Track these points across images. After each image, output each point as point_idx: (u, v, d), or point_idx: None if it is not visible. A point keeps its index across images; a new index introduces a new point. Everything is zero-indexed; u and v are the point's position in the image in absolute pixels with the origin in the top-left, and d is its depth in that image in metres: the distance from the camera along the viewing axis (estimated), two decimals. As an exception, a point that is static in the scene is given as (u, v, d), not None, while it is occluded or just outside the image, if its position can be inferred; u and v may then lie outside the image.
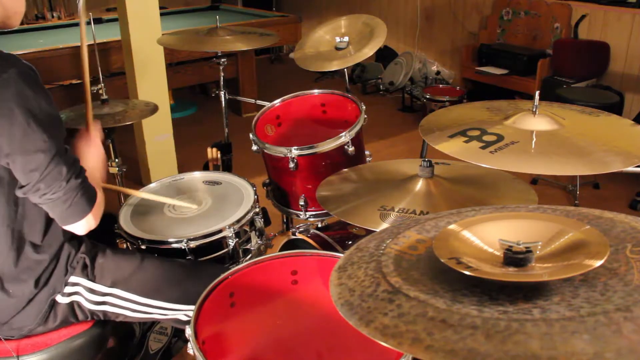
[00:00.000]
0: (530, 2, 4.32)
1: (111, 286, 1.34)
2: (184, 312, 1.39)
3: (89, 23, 2.26)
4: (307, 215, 1.93)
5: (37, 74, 1.15)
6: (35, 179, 1.13)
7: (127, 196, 1.79)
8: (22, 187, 1.16)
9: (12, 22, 1.24)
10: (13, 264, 1.24)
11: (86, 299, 1.33)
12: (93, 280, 1.33)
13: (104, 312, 1.35)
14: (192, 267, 1.46)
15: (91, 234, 1.54)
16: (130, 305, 1.36)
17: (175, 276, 1.42)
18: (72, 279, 1.31)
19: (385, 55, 5.42)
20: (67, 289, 1.31)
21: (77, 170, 1.19)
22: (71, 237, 1.34)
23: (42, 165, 1.13)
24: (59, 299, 1.30)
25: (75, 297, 1.32)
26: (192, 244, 1.51)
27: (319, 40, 2.48)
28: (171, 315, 1.39)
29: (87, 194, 1.22)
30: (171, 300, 1.37)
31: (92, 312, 1.35)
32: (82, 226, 1.24)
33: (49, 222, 1.27)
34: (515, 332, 0.61)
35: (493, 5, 4.61)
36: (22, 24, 1.27)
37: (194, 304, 1.16)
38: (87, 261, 1.33)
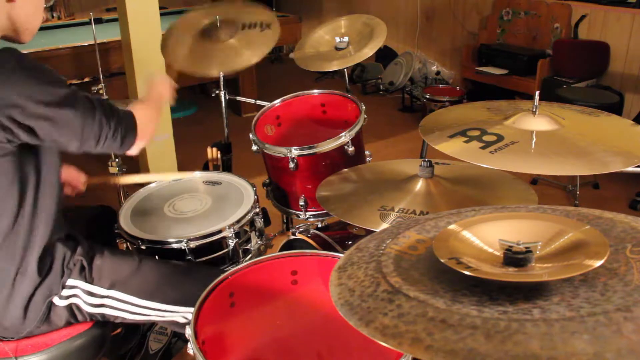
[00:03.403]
0: (530, 2, 4.32)
1: (109, 288, 1.34)
2: (181, 314, 1.39)
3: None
4: (307, 215, 1.93)
5: (31, 59, 1.17)
6: (79, 136, 1.20)
7: (127, 196, 1.79)
8: (72, 147, 1.22)
9: (23, 37, 1.26)
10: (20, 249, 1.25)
11: (85, 302, 1.32)
12: (91, 282, 1.32)
13: (102, 314, 1.35)
14: (191, 269, 1.46)
15: (91, 232, 1.54)
16: (128, 307, 1.35)
17: (173, 278, 1.41)
18: (70, 281, 1.31)
19: (385, 55, 5.42)
20: (65, 292, 1.30)
21: (108, 112, 1.25)
22: (66, 238, 1.33)
23: (80, 124, 1.19)
24: (57, 301, 1.30)
25: (73, 300, 1.32)
26: (192, 244, 1.51)
27: (319, 40, 2.48)
28: (169, 317, 1.39)
29: (129, 123, 1.30)
30: (169, 302, 1.37)
31: (91, 315, 1.34)
32: (137, 147, 1.34)
33: (48, 213, 1.27)
34: (515, 332, 0.61)
35: (493, 5, 4.61)
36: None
37: (191, 305, 1.16)
38: (85, 263, 1.32)
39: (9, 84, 1.10)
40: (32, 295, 1.27)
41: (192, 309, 1.15)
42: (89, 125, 1.21)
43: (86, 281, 1.32)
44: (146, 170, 3.41)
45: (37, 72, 1.15)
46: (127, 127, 1.30)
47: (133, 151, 1.35)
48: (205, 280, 1.26)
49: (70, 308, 1.32)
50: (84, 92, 1.23)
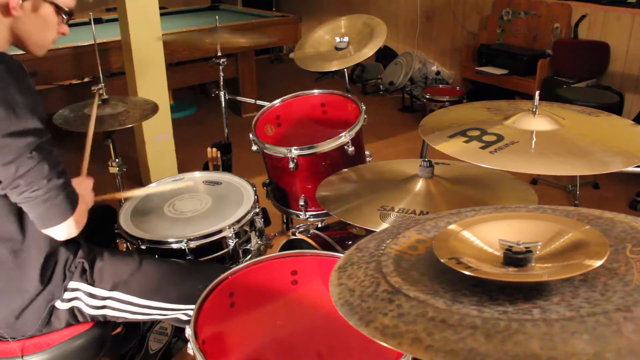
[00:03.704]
0: (530, 2, 4.32)
1: (111, 289, 1.34)
2: (183, 311, 1.39)
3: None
4: (307, 215, 1.93)
5: (26, 72, 1.14)
6: (12, 173, 1.10)
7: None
8: (1, 183, 1.13)
9: (31, 50, 1.25)
10: (13, 263, 1.24)
11: (86, 304, 1.32)
12: (92, 284, 1.33)
13: (104, 316, 1.35)
14: (191, 266, 1.46)
15: (92, 233, 1.54)
16: (130, 307, 1.35)
17: (174, 276, 1.41)
18: (72, 284, 1.31)
19: (385, 55, 5.42)
20: (67, 295, 1.30)
21: (59, 171, 1.16)
22: (68, 241, 1.33)
23: (20, 159, 1.09)
24: (59, 304, 1.30)
25: (75, 303, 1.32)
26: (192, 244, 1.51)
27: (319, 40, 2.48)
28: (171, 315, 1.39)
29: (70, 197, 1.18)
30: (171, 301, 1.37)
31: (93, 316, 1.34)
32: (62, 231, 1.20)
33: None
34: (515, 332, 0.61)
35: (493, 5, 4.61)
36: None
37: (193, 303, 1.16)
38: (86, 266, 1.32)
39: None
40: (35, 299, 1.27)
41: (194, 307, 1.15)
42: (26, 166, 1.10)
43: (88, 283, 1.32)
44: (146, 170, 3.42)
45: (18, 90, 1.10)
46: (72, 198, 1.19)
47: (61, 232, 1.20)
48: (207, 276, 1.26)
49: (72, 311, 1.32)
50: (48, 141, 1.15)
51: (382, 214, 1.28)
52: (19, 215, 1.21)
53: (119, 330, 1.72)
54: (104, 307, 1.34)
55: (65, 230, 1.21)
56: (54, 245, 1.29)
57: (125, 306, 1.35)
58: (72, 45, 3.41)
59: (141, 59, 3.14)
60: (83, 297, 1.32)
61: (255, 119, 2.01)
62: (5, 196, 1.18)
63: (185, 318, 1.40)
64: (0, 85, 1.08)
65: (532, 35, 4.36)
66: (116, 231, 1.60)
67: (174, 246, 1.51)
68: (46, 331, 1.31)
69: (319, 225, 1.98)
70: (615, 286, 0.67)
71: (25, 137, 1.10)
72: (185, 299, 1.37)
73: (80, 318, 1.34)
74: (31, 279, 1.25)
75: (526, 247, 0.73)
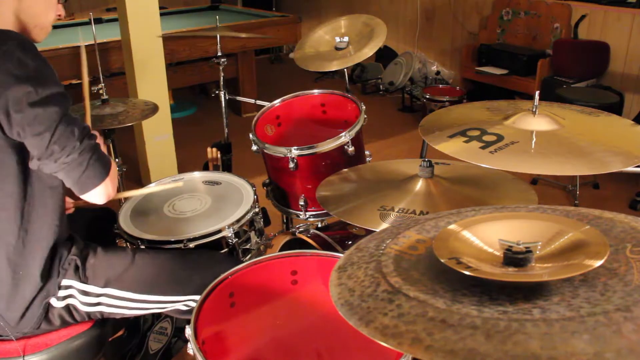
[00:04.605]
0: (530, 2, 4.32)
1: (104, 286, 1.32)
2: (182, 302, 1.38)
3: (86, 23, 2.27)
4: (307, 215, 1.93)
5: (35, 46, 1.15)
6: (46, 141, 1.12)
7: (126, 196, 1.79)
8: (34, 156, 1.15)
9: (34, 35, 1.25)
10: (20, 249, 1.24)
11: (80, 302, 1.31)
12: (85, 282, 1.31)
13: (101, 313, 1.35)
14: (185, 257, 1.45)
15: (91, 233, 1.53)
16: (126, 303, 1.34)
17: (168, 268, 1.40)
18: (65, 281, 1.30)
19: (385, 55, 5.42)
20: (61, 292, 1.29)
21: (88, 132, 1.19)
22: (65, 238, 1.33)
23: (52, 125, 1.12)
24: (54, 302, 1.29)
25: (69, 300, 1.31)
26: (192, 244, 1.51)
27: (319, 40, 2.48)
28: (170, 307, 1.38)
29: (103, 157, 1.22)
30: (167, 293, 1.36)
31: (89, 314, 1.34)
32: (101, 193, 1.23)
33: (54, 213, 1.27)
34: (515, 332, 0.61)
35: (493, 5, 4.61)
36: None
37: (189, 293, 1.15)
38: (79, 263, 1.31)
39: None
40: (36, 296, 1.26)
41: (193, 297, 1.14)
42: (59, 131, 1.13)
43: (80, 281, 1.31)
44: (146, 170, 3.42)
45: (34, 61, 1.11)
46: (104, 158, 1.22)
47: (99, 195, 1.23)
48: (201, 265, 1.25)
49: (67, 308, 1.31)
50: (70, 106, 1.18)
51: (382, 214, 1.28)
52: (23, 211, 1.22)
53: (120, 333, 1.71)
54: (98, 304, 1.33)
55: (104, 191, 1.23)
56: (55, 241, 1.29)
57: (121, 302, 1.34)
58: (72, 45, 3.41)
59: (141, 59, 3.14)
60: (77, 294, 1.31)
61: (255, 119, 2.00)
62: (11, 194, 1.18)
63: (185, 308, 1.39)
64: (17, 60, 1.09)
65: (532, 35, 4.36)
66: (116, 231, 1.60)
67: (174, 246, 1.51)
68: (43, 329, 1.31)
69: (319, 225, 1.98)
70: (615, 286, 0.67)
71: (54, 103, 1.12)
72: (182, 291, 1.36)
73: (76, 316, 1.33)
74: (34, 276, 1.25)
75: (526, 247, 0.73)
